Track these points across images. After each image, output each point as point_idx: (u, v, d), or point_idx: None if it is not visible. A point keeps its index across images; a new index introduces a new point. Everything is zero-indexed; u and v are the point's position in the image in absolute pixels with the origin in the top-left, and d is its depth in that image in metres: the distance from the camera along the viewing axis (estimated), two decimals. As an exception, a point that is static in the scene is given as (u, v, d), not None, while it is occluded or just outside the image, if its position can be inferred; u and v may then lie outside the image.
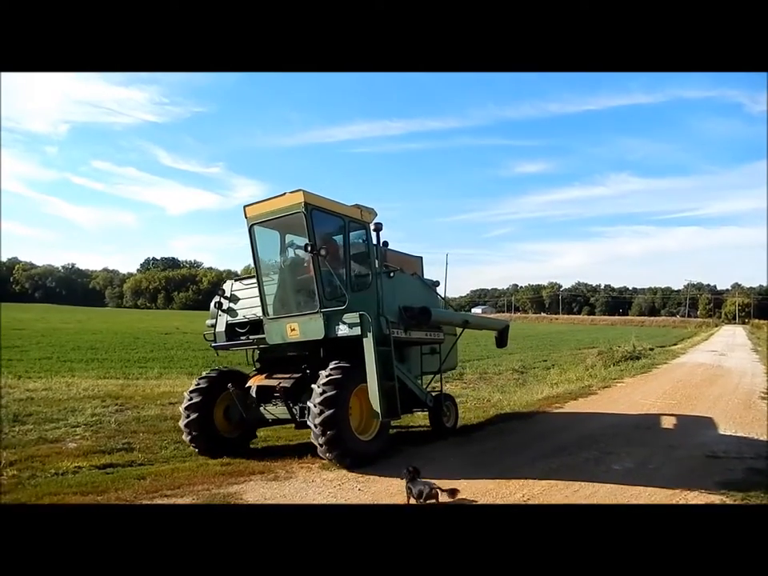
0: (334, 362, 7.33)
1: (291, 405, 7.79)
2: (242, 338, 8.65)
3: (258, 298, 8.08)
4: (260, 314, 8.13)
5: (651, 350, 29.24)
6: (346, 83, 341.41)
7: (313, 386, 7.14)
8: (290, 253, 8.39)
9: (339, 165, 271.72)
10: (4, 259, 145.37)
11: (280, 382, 7.88)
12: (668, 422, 10.62)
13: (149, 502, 5.75)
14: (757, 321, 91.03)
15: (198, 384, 8.24)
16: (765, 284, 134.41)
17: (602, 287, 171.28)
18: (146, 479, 6.65)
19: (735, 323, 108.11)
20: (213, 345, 9.12)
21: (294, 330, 7.71)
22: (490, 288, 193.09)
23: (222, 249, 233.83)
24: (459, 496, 5.57)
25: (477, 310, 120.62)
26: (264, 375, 8.38)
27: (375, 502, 5.85)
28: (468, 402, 13.35)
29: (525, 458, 7.74)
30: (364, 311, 7.30)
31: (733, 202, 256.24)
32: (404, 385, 8.21)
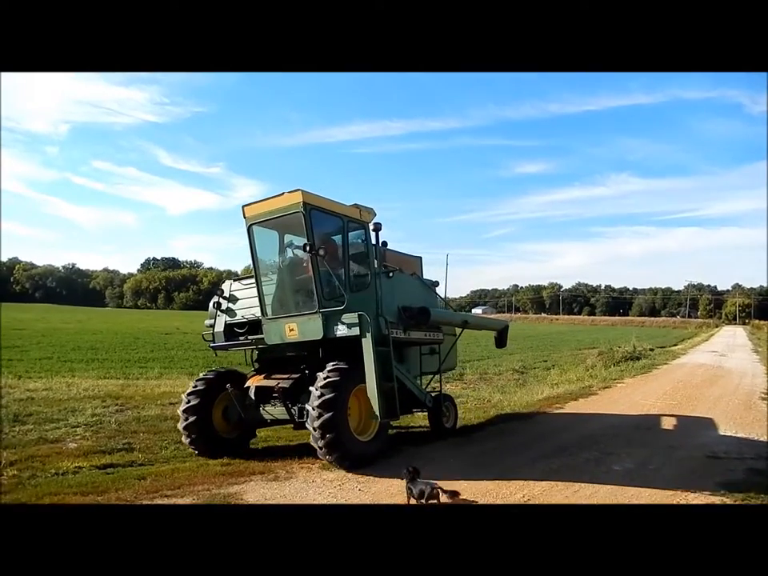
0: (331, 364, 7.30)
1: (290, 405, 7.76)
2: (240, 338, 8.63)
3: (257, 298, 8.06)
4: (259, 314, 8.11)
5: (651, 350, 29.23)
6: (346, 83, 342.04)
7: (311, 388, 7.11)
8: (289, 253, 8.37)
9: (339, 165, 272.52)
10: (4, 259, 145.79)
11: (278, 383, 7.87)
12: (668, 423, 10.61)
13: (149, 503, 5.75)
14: (757, 321, 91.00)
15: (196, 386, 8.21)
16: (765, 284, 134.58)
17: (603, 288, 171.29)
18: (146, 479, 6.65)
19: (736, 324, 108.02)
20: (211, 345, 9.11)
21: (292, 330, 7.70)
22: (490, 288, 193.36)
23: (222, 249, 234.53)
24: (461, 496, 5.57)
25: (477, 311, 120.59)
26: (263, 376, 8.36)
27: (375, 503, 5.85)
28: (468, 403, 13.35)
29: (525, 458, 7.74)
30: (363, 311, 7.27)
31: (733, 202, 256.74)
32: (403, 385, 8.19)
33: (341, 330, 7.38)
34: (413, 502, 5.44)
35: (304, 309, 7.74)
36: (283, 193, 7.50)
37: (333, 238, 8.06)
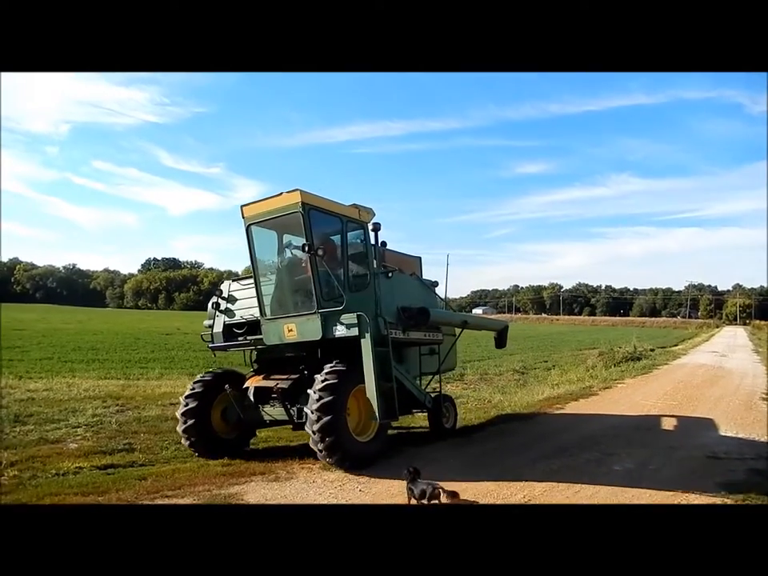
0: (328, 366, 7.26)
1: (289, 406, 7.75)
2: (239, 338, 8.60)
3: (256, 299, 8.04)
4: (257, 314, 8.10)
5: (652, 350, 29.19)
6: (346, 84, 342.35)
7: (309, 391, 7.08)
8: (288, 253, 8.35)
9: (340, 165, 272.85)
10: (5, 260, 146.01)
11: (277, 383, 7.84)
12: (669, 423, 10.61)
13: (150, 503, 5.75)
14: (758, 322, 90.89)
15: (193, 389, 8.17)
16: (766, 285, 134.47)
17: (603, 288, 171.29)
18: (147, 480, 6.66)
19: (736, 324, 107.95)
20: (210, 345, 9.09)
21: (291, 330, 7.68)
22: (490, 289, 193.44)
23: (222, 249, 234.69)
24: (461, 496, 5.56)
25: (478, 311, 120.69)
26: (261, 376, 8.33)
27: (376, 503, 5.85)
28: (469, 403, 13.36)
29: (526, 458, 7.73)
30: (362, 312, 7.25)
31: (733, 203, 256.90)
32: (402, 386, 8.17)
33: (340, 331, 7.36)
34: (413, 502, 5.44)
35: (303, 309, 7.72)
36: (282, 193, 7.48)
37: (332, 238, 8.04)
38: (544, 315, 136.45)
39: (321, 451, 6.93)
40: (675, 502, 5.82)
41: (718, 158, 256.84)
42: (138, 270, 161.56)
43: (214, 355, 9.57)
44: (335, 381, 6.99)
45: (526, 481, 6.56)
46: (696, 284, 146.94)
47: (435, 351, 9.79)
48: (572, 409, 12.55)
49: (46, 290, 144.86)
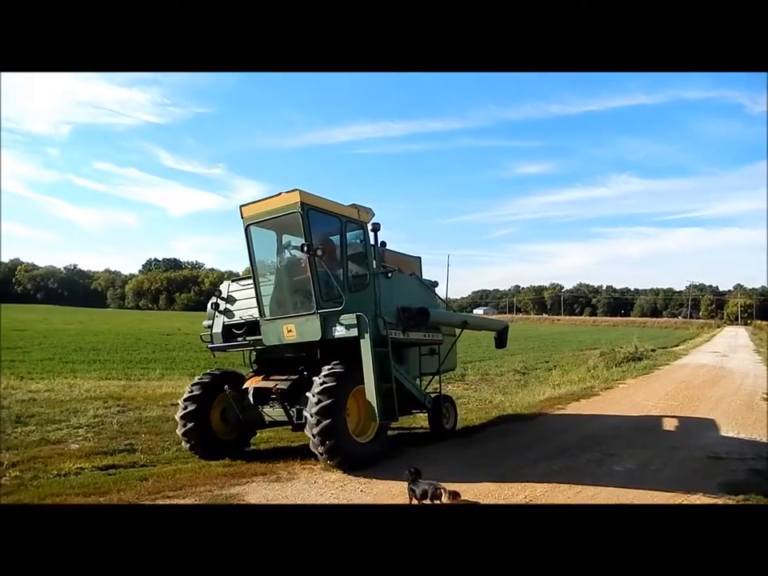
0: (326, 368, 7.21)
1: (288, 407, 7.74)
2: (238, 339, 8.58)
3: (255, 299, 8.02)
4: (257, 315, 8.08)
5: (653, 351, 29.15)
6: (347, 84, 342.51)
7: (308, 394, 7.05)
8: (287, 253, 8.33)
9: (340, 166, 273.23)
10: (6, 260, 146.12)
11: (277, 384, 7.81)
12: (670, 424, 10.60)
13: (151, 503, 5.76)
14: (759, 322, 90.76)
15: (192, 391, 8.14)
16: (767, 285, 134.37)
17: (604, 288, 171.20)
18: (148, 480, 6.66)
19: (737, 324, 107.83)
20: (209, 346, 9.05)
21: (290, 331, 7.66)
22: (491, 289, 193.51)
23: (223, 250, 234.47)
24: (462, 497, 5.56)
25: (478, 311, 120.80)
26: (261, 377, 8.29)
27: (377, 503, 5.85)
28: (470, 404, 13.35)
29: (527, 459, 7.73)
30: (361, 312, 7.23)
31: (734, 203, 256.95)
32: (402, 386, 8.16)
33: (339, 331, 7.34)
34: (415, 502, 5.44)
35: (302, 310, 7.70)
36: (281, 193, 7.45)
37: (331, 238, 8.01)
38: (545, 315, 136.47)
39: (321, 454, 6.92)
40: (676, 503, 5.82)
41: (719, 158, 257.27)
42: (139, 271, 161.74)
43: (213, 356, 9.56)
44: (333, 384, 6.95)
45: (527, 481, 6.55)
46: (697, 284, 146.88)
47: (435, 351, 9.77)
48: (573, 409, 12.54)
49: (47, 290, 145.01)
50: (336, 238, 7.98)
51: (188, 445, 7.95)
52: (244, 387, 8.23)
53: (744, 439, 9.06)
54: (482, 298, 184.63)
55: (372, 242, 8.11)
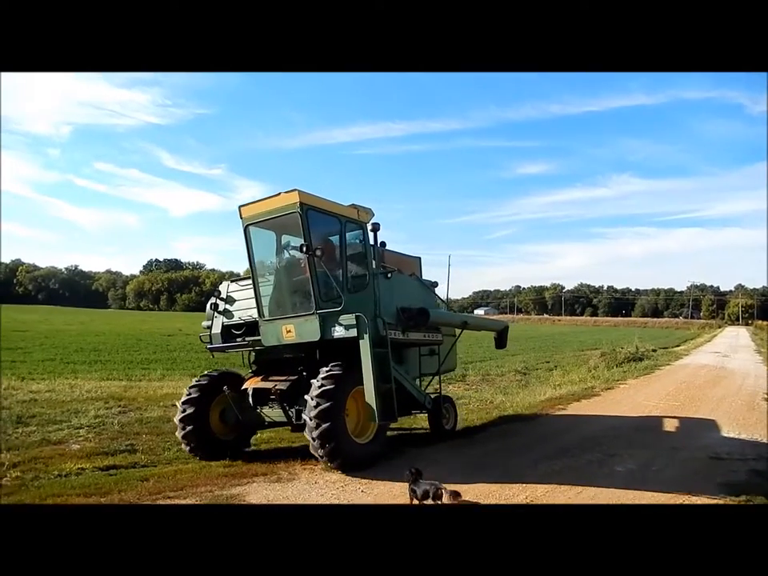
0: (324, 370, 7.18)
1: (287, 407, 7.72)
2: (237, 339, 8.56)
3: (254, 300, 8.00)
4: (256, 315, 8.06)
5: (654, 351, 29.11)
6: (347, 85, 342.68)
7: (306, 397, 7.02)
8: (286, 253, 8.32)
9: (341, 166, 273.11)
10: (7, 261, 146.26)
11: (276, 385, 7.80)
12: (671, 424, 10.58)
13: (152, 503, 5.76)
14: (760, 322, 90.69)
15: (190, 394, 8.09)
16: (767, 285, 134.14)
17: (605, 288, 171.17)
18: (149, 481, 6.66)
19: (738, 324, 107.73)
20: (208, 347, 9.02)
21: (289, 331, 7.65)
22: (492, 289, 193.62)
23: (224, 250, 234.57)
24: (463, 497, 5.55)
25: (479, 312, 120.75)
26: (260, 377, 8.28)
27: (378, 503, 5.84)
28: (470, 404, 13.34)
29: (527, 459, 7.72)
30: (360, 313, 7.21)
31: (734, 203, 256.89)
32: (402, 387, 8.14)
33: (338, 332, 7.32)
34: (415, 503, 5.44)
35: (301, 310, 7.69)
36: (280, 193, 7.44)
37: (330, 238, 8.00)
38: (546, 316, 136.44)
39: (321, 457, 6.92)
40: (677, 503, 5.81)
41: (719, 158, 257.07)
42: (140, 272, 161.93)
43: (212, 356, 9.54)
44: (332, 386, 6.92)
45: (528, 482, 6.54)
46: (698, 284, 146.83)
47: (435, 352, 9.74)
48: (574, 409, 12.53)
49: (48, 291, 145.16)
50: (335, 239, 7.96)
51: (188, 447, 7.94)
52: (243, 388, 8.21)
53: (745, 440, 9.04)
54: (482, 298, 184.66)
55: (372, 242, 8.10)
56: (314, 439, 6.83)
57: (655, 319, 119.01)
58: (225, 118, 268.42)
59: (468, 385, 17.16)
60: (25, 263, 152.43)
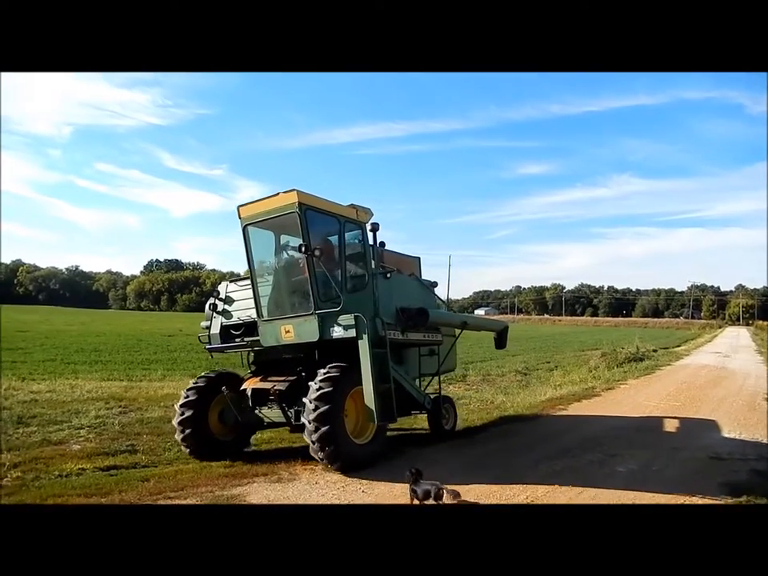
0: (322, 371, 7.15)
1: (286, 408, 7.70)
2: (236, 340, 8.54)
3: (253, 300, 7.98)
4: (254, 315, 8.05)
5: (655, 351, 29.10)
6: (348, 85, 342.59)
7: (304, 399, 6.99)
8: (285, 254, 8.30)
9: (342, 166, 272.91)
10: (8, 261, 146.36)
11: (275, 385, 7.79)
12: (672, 424, 10.58)
13: (152, 503, 5.76)
14: (761, 322, 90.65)
15: (188, 396, 8.06)
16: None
17: (605, 289, 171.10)
18: (149, 481, 6.67)
19: (739, 325, 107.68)
20: (207, 347, 8.99)
21: (288, 331, 7.64)
22: (492, 290, 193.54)
23: (225, 251, 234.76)
24: (463, 498, 5.55)
25: (480, 312, 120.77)
26: (259, 378, 8.26)
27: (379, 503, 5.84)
28: (471, 404, 13.32)
29: (528, 460, 7.71)
30: (359, 313, 7.19)
31: (735, 203, 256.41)
32: (401, 387, 8.12)
33: (337, 332, 7.31)
34: (416, 503, 5.43)
35: (300, 310, 7.68)
36: (278, 193, 7.42)
37: (329, 238, 7.98)
38: (546, 316, 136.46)
39: (314, 443, 6.86)
40: (678, 503, 5.80)
41: (720, 158, 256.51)
42: (141, 272, 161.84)
43: (211, 356, 9.52)
44: (330, 389, 6.89)
45: (529, 482, 6.54)
46: (699, 284, 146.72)
47: (435, 352, 9.72)
48: (574, 410, 12.52)
49: (48, 291, 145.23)
50: (334, 239, 7.95)
51: (187, 450, 7.94)
52: (242, 388, 8.19)
53: (746, 440, 9.04)
54: (483, 298, 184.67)
55: (371, 242, 8.09)
56: (313, 442, 6.82)
57: (656, 319, 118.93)
58: (225, 118, 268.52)
59: (469, 385, 17.15)
60: (25, 263, 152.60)
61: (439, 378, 10.01)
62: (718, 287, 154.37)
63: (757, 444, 8.73)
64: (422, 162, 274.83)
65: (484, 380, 18.29)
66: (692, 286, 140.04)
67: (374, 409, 6.95)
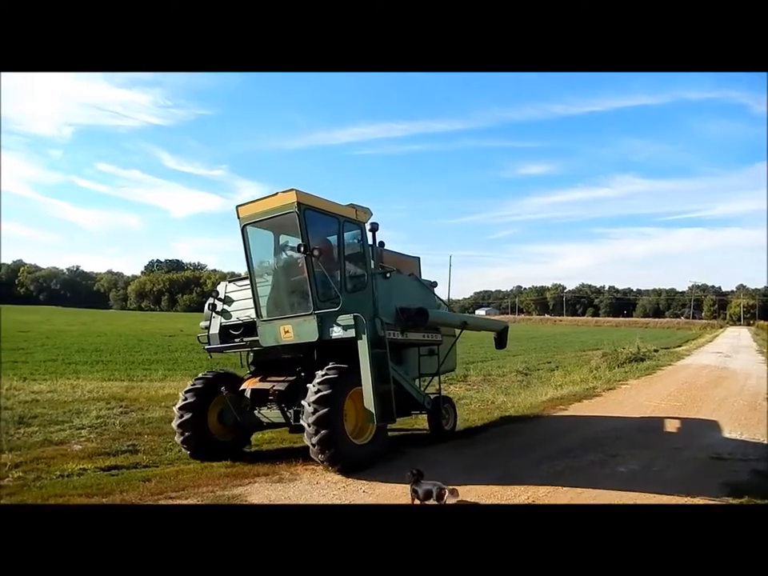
0: (320, 373, 7.12)
1: (285, 408, 7.68)
2: (235, 340, 8.54)
3: (252, 300, 7.98)
4: (253, 315, 8.05)
5: (656, 351, 29.10)
6: (349, 85, 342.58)
7: (303, 402, 6.97)
8: (284, 254, 8.29)
9: (342, 167, 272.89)
10: (9, 262, 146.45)
11: (274, 385, 7.78)
12: (673, 425, 10.57)
13: (153, 503, 5.76)
14: (762, 322, 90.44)
15: (186, 398, 8.05)
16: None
17: (607, 289, 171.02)
18: (150, 481, 6.67)
19: (740, 325, 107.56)
20: (206, 347, 8.99)
21: (287, 332, 7.63)
22: (493, 290, 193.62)
23: (225, 251, 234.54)
24: (464, 498, 5.55)
25: (481, 312, 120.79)
26: (258, 378, 8.26)
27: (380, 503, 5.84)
28: (472, 404, 13.32)
29: (529, 460, 7.71)
30: (359, 313, 7.18)
31: (736, 203, 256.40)
32: (401, 387, 8.11)
33: (336, 332, 7.30)
34: (417, 503, 5.43)
35: (299, 310, 7.67)
36: (277, 193, 7.41)
37: (328, 238, 7.97)
38: (547, 316, 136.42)
39: (314, 445, 6.85)
40: (679, 503, 5.80)
41: (721, 158, 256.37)
42: (142, 272, 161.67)
43: (210, 356, 9.52)
44: (329, 391, 6.86)
45: (530, 482, 6.53)
46: (700, 284, 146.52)
47: (434, 352, 9.71)
48: (575, 410, 12.51)
49: (49, 291, 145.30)
50: (333, 238, 7.94)
51: (188, 451, 7.94)
52: (242, 389, 8.19)
53: (747, 440, 9.03)
54: (484, 298, 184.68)
55: (370, 241, 8.07)
56: (313, 445, 6.81)
57: (657, 319, 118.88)
58: (226, 118, 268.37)
59: (469, 385, 17.15)
60: (26, 264, 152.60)
61: (439, 378, 9.99)
62: (719, 287, 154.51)
63: (758, 444, 8.72)
64: (423, 162, 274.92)
65: (485, 380, 18.29)
66: (693, 286, 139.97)
67: (373, 409, 6.93)
